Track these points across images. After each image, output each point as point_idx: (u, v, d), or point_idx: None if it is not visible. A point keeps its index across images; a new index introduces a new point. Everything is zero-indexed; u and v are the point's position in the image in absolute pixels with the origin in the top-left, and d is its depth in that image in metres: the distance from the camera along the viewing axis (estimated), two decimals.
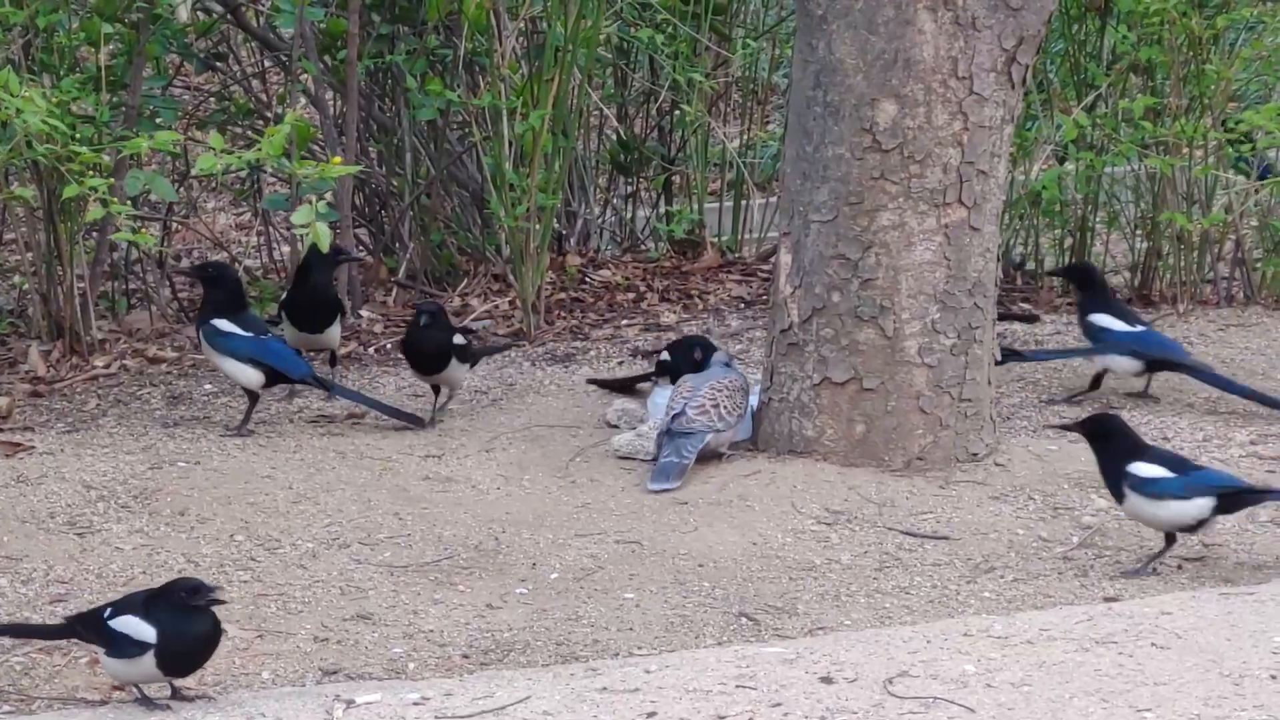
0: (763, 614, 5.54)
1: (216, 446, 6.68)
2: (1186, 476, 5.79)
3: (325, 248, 6.16)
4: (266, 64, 9.19)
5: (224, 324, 6.84)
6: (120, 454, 6.60)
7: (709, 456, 6.54)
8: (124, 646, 4.72)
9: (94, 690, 5.00)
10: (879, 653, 4.87)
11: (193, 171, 9.05)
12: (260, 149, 6.22)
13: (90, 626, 4.82)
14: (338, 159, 6.22)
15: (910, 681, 4.65)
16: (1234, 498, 5.84)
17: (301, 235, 6.12)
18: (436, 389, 7.13)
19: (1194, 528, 5.81)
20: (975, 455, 6.62)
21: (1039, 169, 8.74)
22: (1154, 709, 4.48)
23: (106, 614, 4.79)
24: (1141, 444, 5.95)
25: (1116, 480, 5.81)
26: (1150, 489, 5.76)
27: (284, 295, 7.52)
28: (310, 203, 5.98)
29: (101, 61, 7.77)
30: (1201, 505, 5.77)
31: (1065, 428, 6.18)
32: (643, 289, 8.92)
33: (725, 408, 6.59)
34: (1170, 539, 5.83)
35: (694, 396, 6.59)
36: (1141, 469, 5.78)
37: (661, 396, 6.88)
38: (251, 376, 6.80)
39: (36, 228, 7.91)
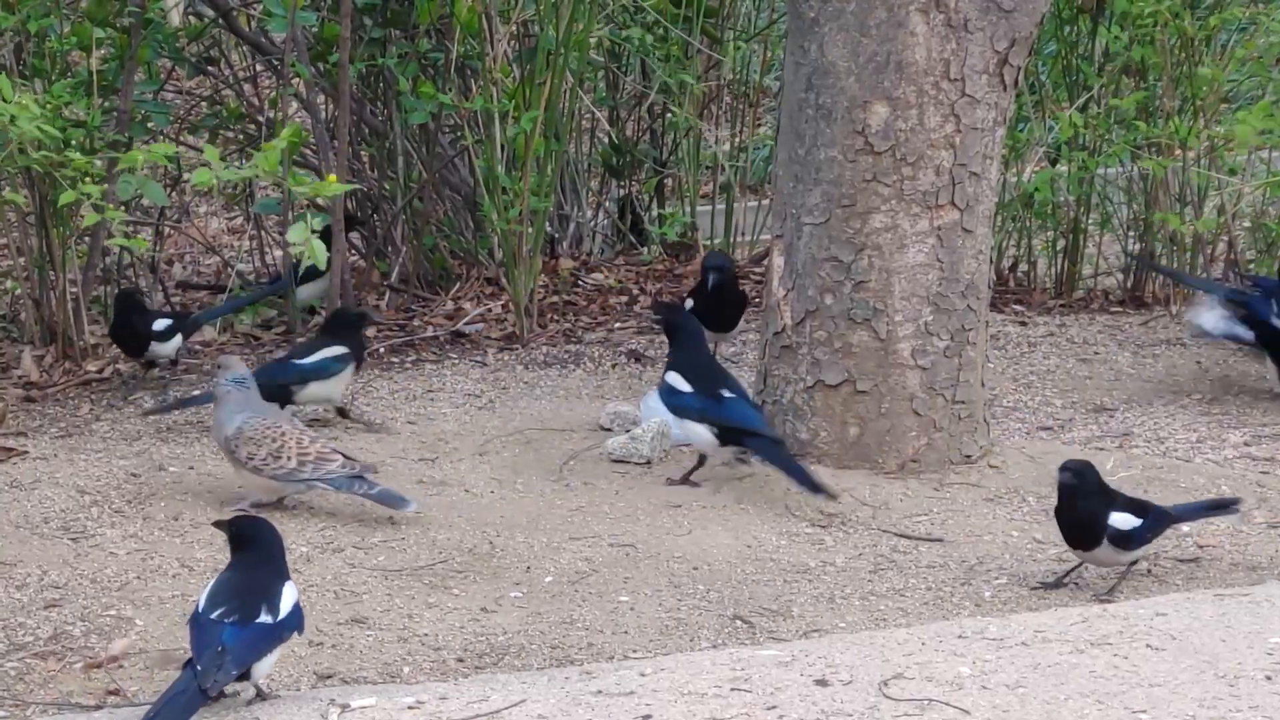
0: (757, 616, 5.54)
1: (210, 451, 6.67)
2: (1148, 519, 5.76)
3: (323, 265, 6.12)
4: (258, 68, 9.19)
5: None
6: (114, 459, 6.60)
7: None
8: None
9: (88, 695, 4.99)
10: (874, 655, 4.86)
11: (184, 179, 9.07)
12: (255, 165, 6.20)
13: None
14: (333, 177, 6.19)
15: (905, 683, 4.65)
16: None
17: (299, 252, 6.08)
18: None
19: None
20: (969, 457, 6.62)
21: (1031, 170, 8.74)
22: (1149, 710, 4.48)
23: None
24: (1113, 493, 5.84)
25: (1098, 531, 5.70)
26: (1122, 542, 5.71)
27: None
28: (305, 219, 5.98)
29: (93, 66, 7.76)
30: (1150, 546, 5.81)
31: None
32: (635, 292, 8.93)
33: None
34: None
35: None
36: (1120, 520, 5.70)
37: (655, 400, 6.88)
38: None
39: (29, 232, 7.90)
